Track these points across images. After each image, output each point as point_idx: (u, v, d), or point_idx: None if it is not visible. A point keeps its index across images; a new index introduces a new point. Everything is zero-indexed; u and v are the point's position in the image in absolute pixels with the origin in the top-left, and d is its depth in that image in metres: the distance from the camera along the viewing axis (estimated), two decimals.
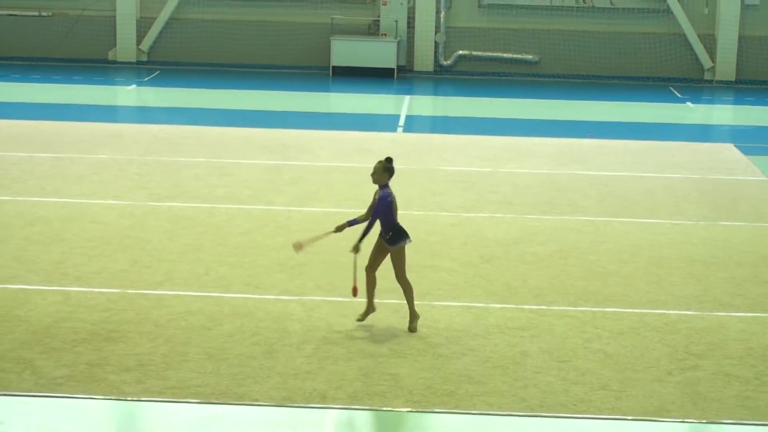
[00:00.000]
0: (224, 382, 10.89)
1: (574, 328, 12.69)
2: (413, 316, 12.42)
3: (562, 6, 36.56)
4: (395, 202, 12.24)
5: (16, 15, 37.18)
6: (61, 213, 17.26)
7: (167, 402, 10.50)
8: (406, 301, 12.44)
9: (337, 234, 12.50)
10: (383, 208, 12.11)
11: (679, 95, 33.70)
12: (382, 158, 12.30)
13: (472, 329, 12.56)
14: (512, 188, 19.93)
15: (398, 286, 12.41)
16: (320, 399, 10.61)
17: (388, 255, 12.29)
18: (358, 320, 12.50)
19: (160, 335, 12.09)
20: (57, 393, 10.59)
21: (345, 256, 15.09)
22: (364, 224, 12.21)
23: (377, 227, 12.24)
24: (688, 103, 32.32)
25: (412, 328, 12.37)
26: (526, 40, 36.54)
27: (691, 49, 36.08)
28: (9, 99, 29.92)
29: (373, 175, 12.19)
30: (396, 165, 12.53)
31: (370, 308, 12.52)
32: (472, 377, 11.18)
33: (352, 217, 12.39)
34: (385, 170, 12.16)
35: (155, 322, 12.51)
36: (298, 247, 12.58)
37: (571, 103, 31.75)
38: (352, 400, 10.62)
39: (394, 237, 12.18)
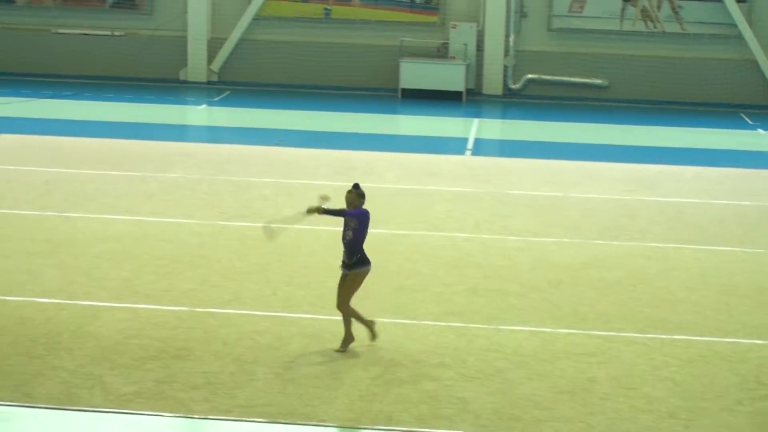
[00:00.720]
0: (291, 402, 10.93)
1: (642, 355, 12.59)
2: (348, 338, 12.31)
3: (632, 31, 36.41)
4: (368, 223, 12.28)
5: (88, 34, 37.69)
6: (132, 231, 17.43)
7: (235, 421, 10.55)
8: (343, 324, 12.30)
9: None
10: (360, 213, 12.14)
11: (750, 122, 33.38)
12: (350, 187, 12.37)
13: (540, 354, 12.50)
14: (581, 213, 19.84)
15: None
16: (386, 421, 10.60)
17: (357, 279, 12.21)
18: (371, 340, 12.45)
19: (228, 354, 12.16)
20: (125, 409, 10.67)
21: (412, 278, 15.13)
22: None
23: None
24: (760, 130, 32.00)
25: (341, 348, 12.27)
26: (595, 64, 36.42)
27: (763, 75, 35.76)
28: (82, 117, 30.32)
29: (348, 205, 12.28)
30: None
31: (371, 325, 12.40)
32: (540, 402, 11.13)
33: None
34: (358, 197, 12.30)
35: (223, 340, 12.58)
36: (270, 233, 12.69)
37: (641, 129, 31.56)
38: (418, 423, 10.60)
39: (359, 261, 12.21)
